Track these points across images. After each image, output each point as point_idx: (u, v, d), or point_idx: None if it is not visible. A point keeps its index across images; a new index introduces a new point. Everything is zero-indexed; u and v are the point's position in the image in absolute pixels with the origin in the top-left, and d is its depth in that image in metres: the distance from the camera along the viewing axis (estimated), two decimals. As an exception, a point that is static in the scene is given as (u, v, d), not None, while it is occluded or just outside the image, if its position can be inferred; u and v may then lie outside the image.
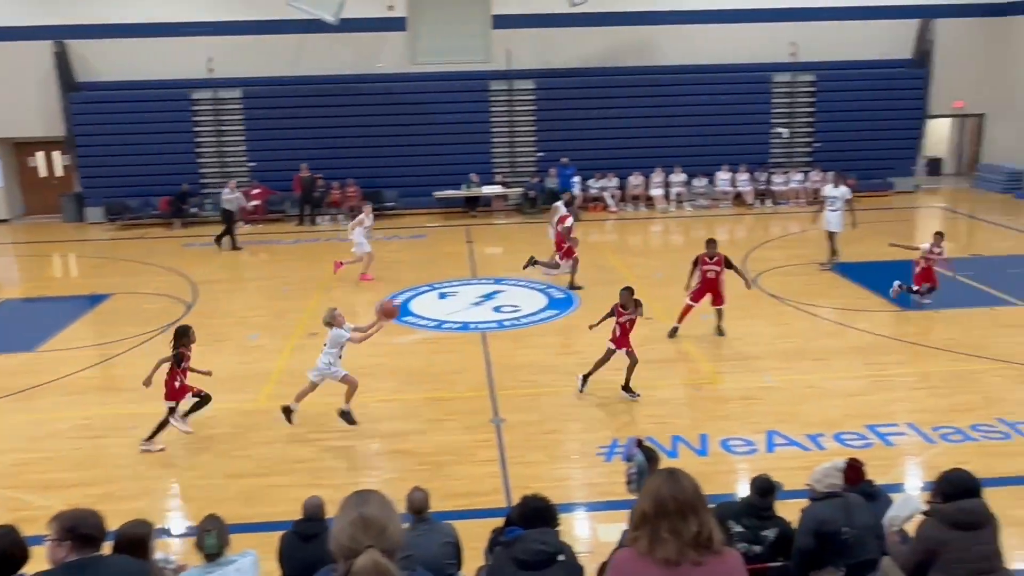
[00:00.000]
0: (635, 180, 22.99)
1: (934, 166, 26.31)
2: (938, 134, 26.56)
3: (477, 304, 14.51)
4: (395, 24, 22.21)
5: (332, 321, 9.49)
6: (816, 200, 19.37)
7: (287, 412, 9.58)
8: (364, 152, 22.87)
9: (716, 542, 2.85)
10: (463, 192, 22.46)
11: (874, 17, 23.58)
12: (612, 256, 17.95)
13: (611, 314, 10.52)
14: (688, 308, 12.42)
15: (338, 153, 22.60)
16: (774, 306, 14.09)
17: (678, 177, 23.00)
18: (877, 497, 6.08)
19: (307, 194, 21.70)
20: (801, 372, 11.03)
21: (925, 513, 4.57)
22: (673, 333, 12.43)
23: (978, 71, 24.21)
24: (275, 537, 5.76)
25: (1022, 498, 7.74)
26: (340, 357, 9.54)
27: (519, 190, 22.89)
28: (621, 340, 10.40)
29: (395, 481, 7.98)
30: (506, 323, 13.46)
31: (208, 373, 9.71)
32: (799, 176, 23.38)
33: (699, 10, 23.20)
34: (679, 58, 23.45)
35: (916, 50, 23.93)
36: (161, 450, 9.24)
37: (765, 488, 5.55)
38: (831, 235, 16.24)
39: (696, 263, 12.39)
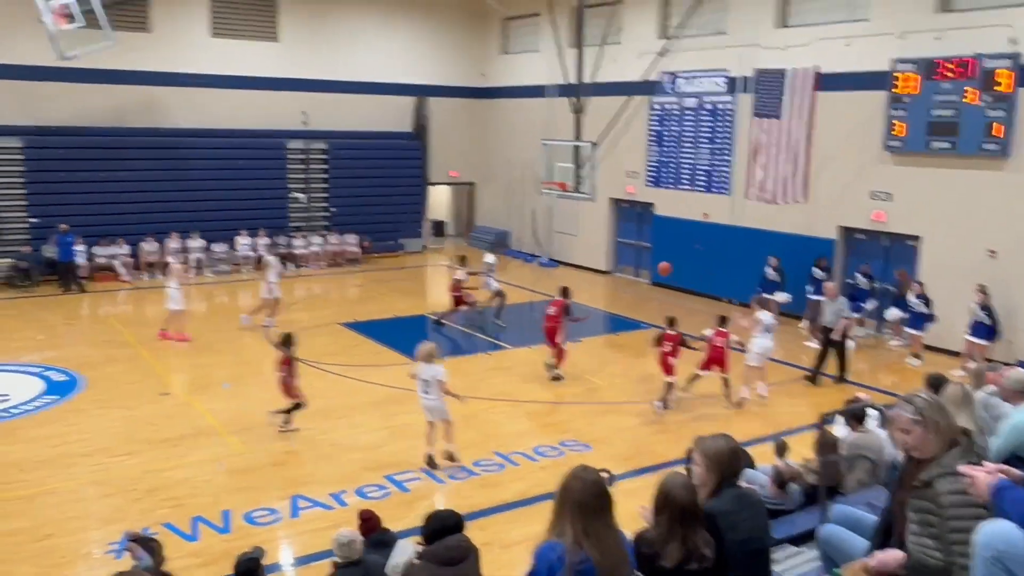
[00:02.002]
0: (149, 246, 21.65)
1: (438, 228, 29.22)
2: (440, 199, 29.63)
3: (-49, 398, 12.30)
4: None
5: (435, 356, 10.16)
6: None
7: (449, 457, 10.18)
8: None
9: None
10: (-68, 266, 19.03)
11: (377, 92, 25.60)
12: (126, 330, 16.59)
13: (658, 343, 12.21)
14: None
15: None
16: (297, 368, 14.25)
17: (196, 243, 22.22)
18: (391, 544, 6.41)
19: None
20: (323, 431, 11.26)
21: (418, 555, 4.92)
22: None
23: (467, 144, 27.65)
24: None
25: (514, 520, 8.79)
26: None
27: (9, 261, 20.07)
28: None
29: None
30: (-9, 416, 11.60)
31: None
32: (319, 239, 24.18)
33: (208, 74, 22.90)
34: (190, 121, 22.84)
35: (415, 124, 26.47)
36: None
37: (247, 570, 5.44)
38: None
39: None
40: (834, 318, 13.77)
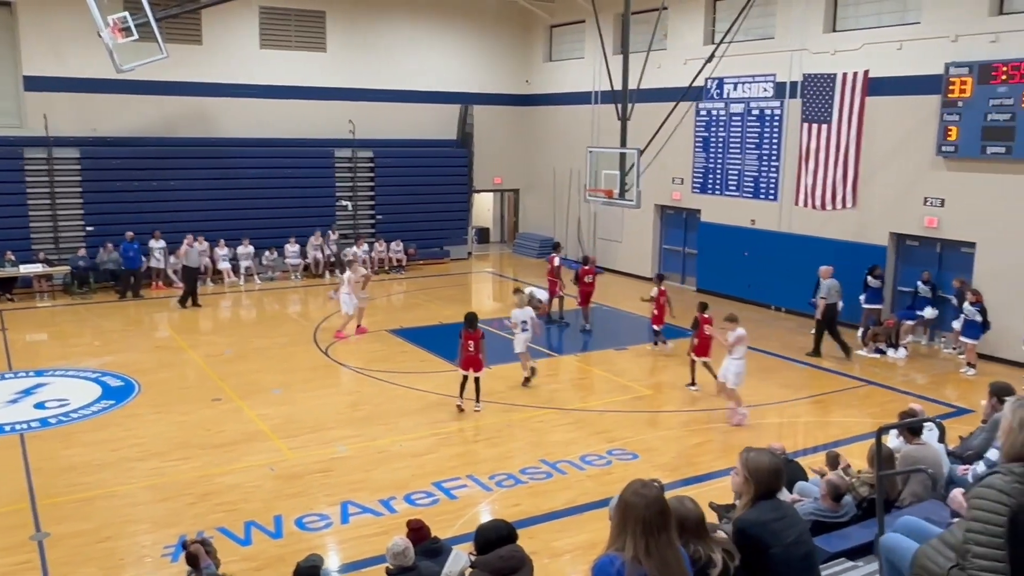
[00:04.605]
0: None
1: (482, 235, 29.34)
2: (485, 206, 29.77)
3: (13, 401, 12.64)
4: None
5: (527, 303, 13.72)
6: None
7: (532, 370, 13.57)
8: None
9: None
10: (-6, 273, 19.58)
11: (423, 100, 25.82)
12: (177, 335, 16.94)
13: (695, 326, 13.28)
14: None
15: None
16: (346, 374, 14.43)
17: (246, 249, 22.59)
18: (442, 552, 6.47)
19: None
20: (371, 438, 11.37)
21: (471, 565, 4.95)
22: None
23: (511, 152, 27.73)
24: None
25: (561, 529, 8.79)
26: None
27: (66, 268, 20.63)
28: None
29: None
30: (51, 420, 11.91)
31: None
32: (365, 246, 24.38)
33: (257, 84, 23.34)
34: (240, 131, 23.28)
35: (460, 132, 26.62)
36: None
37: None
38: None
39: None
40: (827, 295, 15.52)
